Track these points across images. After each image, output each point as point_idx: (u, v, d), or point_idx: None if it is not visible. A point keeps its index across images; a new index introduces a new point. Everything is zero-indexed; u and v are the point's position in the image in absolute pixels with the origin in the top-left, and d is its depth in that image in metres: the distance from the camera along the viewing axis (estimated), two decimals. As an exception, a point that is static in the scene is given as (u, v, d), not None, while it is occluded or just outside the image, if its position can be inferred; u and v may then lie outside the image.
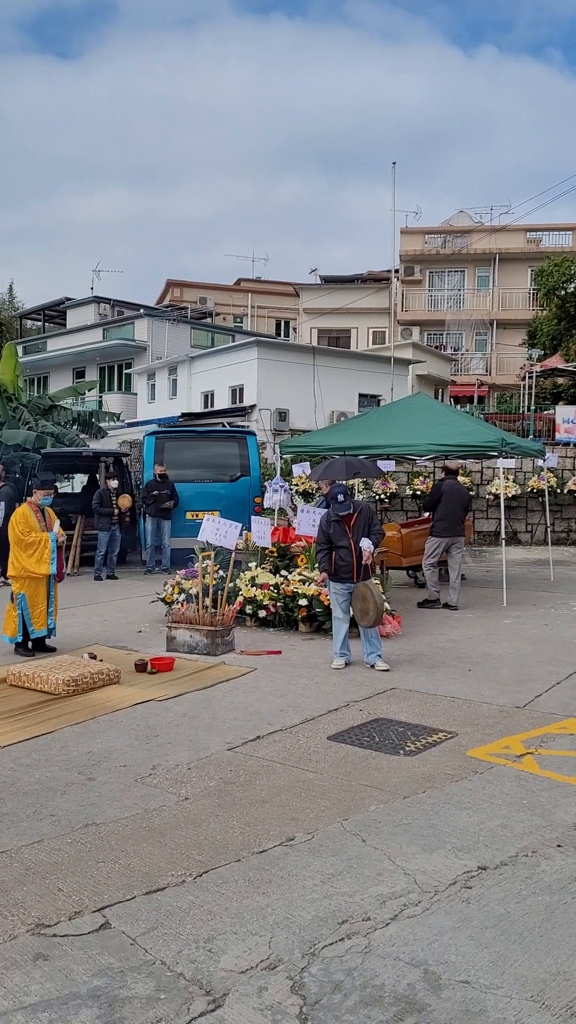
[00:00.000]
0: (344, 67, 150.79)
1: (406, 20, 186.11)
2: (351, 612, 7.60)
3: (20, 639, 8.17)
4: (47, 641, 8.38)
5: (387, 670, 7.36)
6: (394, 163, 28.09)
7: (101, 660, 7.43)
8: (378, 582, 8.62)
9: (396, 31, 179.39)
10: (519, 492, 18.71)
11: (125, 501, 14.28)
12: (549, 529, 16.85)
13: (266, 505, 13.40)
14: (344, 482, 10.09)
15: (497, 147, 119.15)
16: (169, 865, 3.79)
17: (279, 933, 3.21)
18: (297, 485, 17.86)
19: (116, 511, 14.06)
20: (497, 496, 18.11)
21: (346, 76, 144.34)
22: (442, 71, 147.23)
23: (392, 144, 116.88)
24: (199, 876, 3.68)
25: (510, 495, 18.36)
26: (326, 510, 8.14)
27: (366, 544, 7.49)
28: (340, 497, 7.58)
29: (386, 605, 8.85)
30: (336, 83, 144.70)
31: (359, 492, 17.81)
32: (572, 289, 24.18)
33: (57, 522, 8.49)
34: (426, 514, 11.96)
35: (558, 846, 3.89)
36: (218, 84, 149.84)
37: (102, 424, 21.79)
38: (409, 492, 19.03)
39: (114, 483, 14.28)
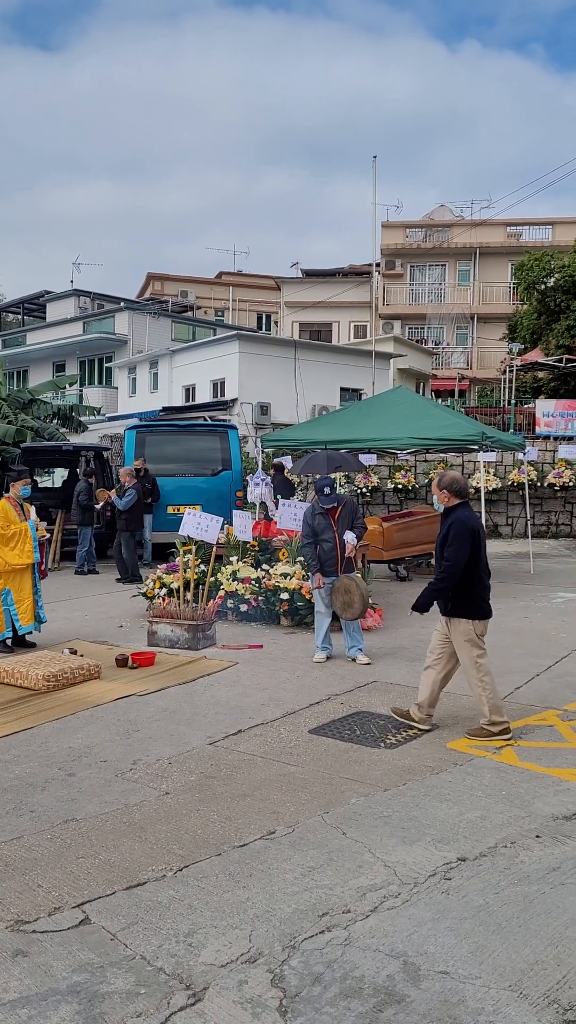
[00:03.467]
0: (328, 60, 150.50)
1: (389, 14, 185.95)
2: (333, 606, 7.60)
3: (9, 634, 8.08)
4: (27, 637, 8.33)
5: (368, 664, 7.38)
6: (375, 157, 28.21)
7: (82, 655, 7.40)
8: (359, 575, 8.62)
9: (380, 25, 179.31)
10: (500, 486, 18.81)
11: (103, 495, 14.22)
12: (529, 522, 16.95)
13: (248, 499, 13.39)
14: (330, 475, 10.09)
15: (479, 141, 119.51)
16: (149, 860, 3.79)
17: (259, 926, 3.21)
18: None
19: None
20: (478, 490, 18.19)
21: (330, 69, 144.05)
22: (425, 65, 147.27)
23: (376, 137, 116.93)
24: (179, 871, 3.68)
25: (491, 488, 18.45)
26: (309, 504, 8.14)
27: (349, 536, 7.51)
28: (326, 490, 7.58)
29: (368, 599, 8.87)
30: (320, 76, 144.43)
31: (340, 486, 17.83)
32: (552, 284, 24.27)
33: (33, 509, 8.44)
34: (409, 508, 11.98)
35: (537, 837, 3.92)
36: (202, 76, 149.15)
37: (82, 418, 21.68)
38: (391, 486, 19.08)
39: (92, 480, 14.23)
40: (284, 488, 14.08)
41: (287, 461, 15.57)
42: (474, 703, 5.69)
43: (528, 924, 3.15)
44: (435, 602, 5.60)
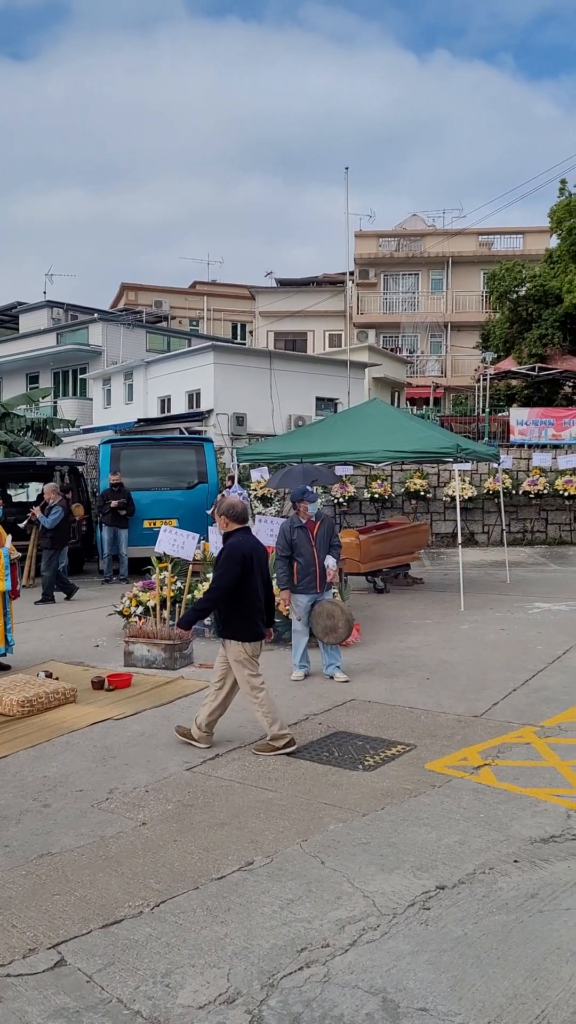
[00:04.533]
0: (299, 70, 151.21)
1: (360, 24, 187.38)
2: (314, 629, 7.56)
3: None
4: (1, 660, 8.23)
5: (347, 681, 7.37)
6: (347, 168, 28.35)
7: (57, 678, 7.32)
8: (336, 591, 8.63)
9: (350, 35, 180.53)
10: (475, 494, 18.90)
11: (78, 510, 14.11)
12: (505, 530, 17.04)
13: None
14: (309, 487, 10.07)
15: (450, 150, 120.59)
16: (126, 895, 3.74)
17: (237, 964, 3.18)
18: (255, 490, 17.83)
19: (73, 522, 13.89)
20: (454, 498, 18.28)
21: (301, 79, 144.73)
22: (396, 75, 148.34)
23: (348, 147, 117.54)
24: (157, 906, 3.64)
25: (466, 497, 18.54)
26: (285, 518, 8.12)
27: (331, 563, 7.49)
28: (308, 488, 7.67)
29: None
30: (292, 86, 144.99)
31: (318, 493, 17.83)
32: (523, 293, 24.49)
33: (8, 538, 8.35)
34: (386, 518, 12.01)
35: (515, 862, 3.92)
36: (175, 86, 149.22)
37: (57, 431, 21.56)
38: (367, 495, 19.13)
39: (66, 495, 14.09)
40: None
41: (256, 473, 15.54)
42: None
43: (507, 955, 3.14)
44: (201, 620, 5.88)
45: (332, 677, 7.47)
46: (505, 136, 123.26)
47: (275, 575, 8.15)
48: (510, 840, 4.16)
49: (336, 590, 8.63)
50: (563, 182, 24.84)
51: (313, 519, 7.63)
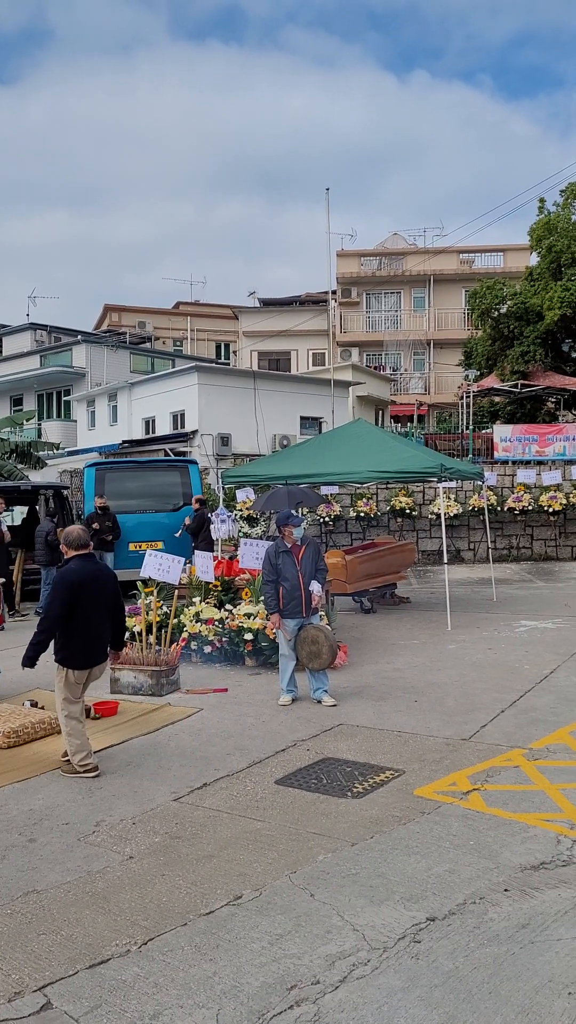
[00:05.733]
0: (280, 92, 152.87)
1: (340, 46, 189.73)
2: (299, 654, 7.54)
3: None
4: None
5: (334, 705, 7.34)
6: (327, 189, 28.54)
7: (42, 707, 7.25)
8: (324, 614, 8.61)
9: (330, 57, 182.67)
10: (461, 511, 18.98)
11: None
12: (490, 547, 17.10)
13: (214, 537, 13.34)
14: (293, 511, 10.07)
15: (430, 170, 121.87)
16: (113, 934, 3.69)
17: (227, 1004, 3.13)
18: (241, 511, 17.82)
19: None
20: (439, 516, 18.33)
21: (282, 100, 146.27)
22: (376, 96, 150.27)
23: (328, 167, 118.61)
24: (144, 944, 3.59)
25: (452, 514, 18.61)
26: (271, 542, 8.11)
27: (316, 588, 7.48)
28: (292, 511, 7.69)
29: (332, 636, 8.85)
30: (273, 107, 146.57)
31: (303, 516, 17.84)
32: (504, 311, 24.71)
33: None
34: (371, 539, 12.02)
35: (505, 890, 3.90)
36: (156, 108, 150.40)
37: (41, 454, 21.48)
38: (353, 514, 19.15)
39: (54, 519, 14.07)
40: (201, 525, 13.93)
41: (241, 494, 15.50)
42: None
43: (498, 990, 3.11)
44: (39, 655, 5.83)
45: (320, 701, 7.44)
46: (484, 155, 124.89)
47: (262, 599, 8.16)
48: (500, 868, 4.14)
49: (323, 613, 8.61)
50: (542, 200, 25.19)
51: (298, 543, 7.63)
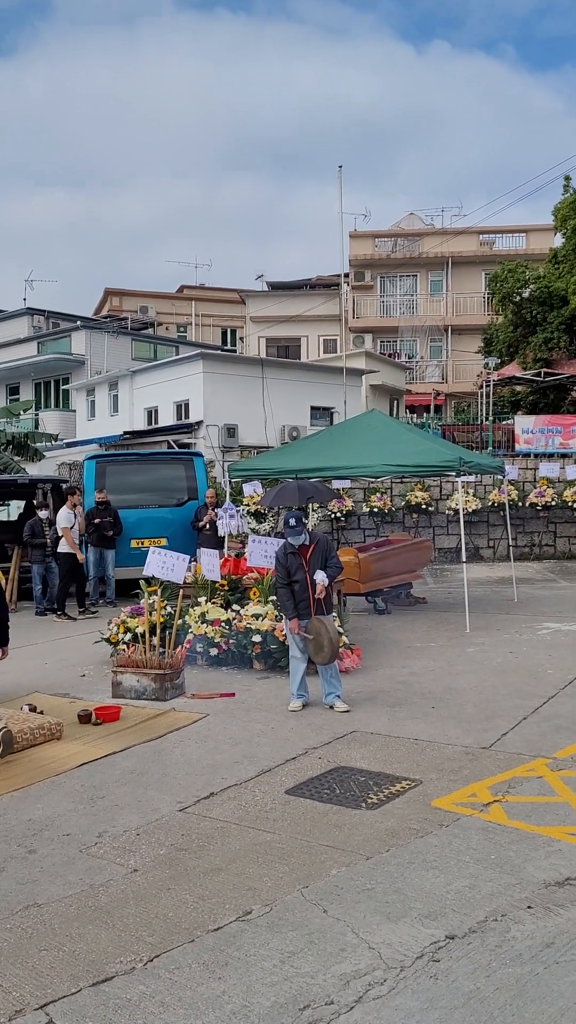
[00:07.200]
0: (290, 63, 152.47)
1: (353, 15, 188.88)
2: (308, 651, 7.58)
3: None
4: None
5: (347, 711, 7.35)
6: (340, 167, 28.48)
7: (41, 712, 7.29)
8: (336, 615, 8.62)
9: (343, 26, 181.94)
10: (480, 507, 18.95)
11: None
12: (511, 545, 17.06)
13: (220, 533, 13.38)
14: (297, 508, 10.10)
15: (448, 146, 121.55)
16: (118, 950, 3.71)
17: (237, 1025, 3.15)
18: (248, 505, 17.85)
19: (50, 542, 13.86)
20: (457, 511, 18.32)
21: (292, 72, 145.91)
22: (391, 67, 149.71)
23: (341, 143, 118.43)
24: (150, 961, 3.61)
25: (470, 510, 18.59)
26: (283, 540, 8.13)
27: (320, 577, 7.48)
28: (291, 521, 7.58)
29: (344, 639, 8.87)
30: (282, 80, 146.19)
31: (313, 511, 17.87)
32: (527, 295, 24.63)
33: None
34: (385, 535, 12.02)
35: (528, 907, 3.91)
36: (160, 82, 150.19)
37: (38, 445, 21.54)
38: (366, 509, 19.16)
39: (44, 513, 14.07)
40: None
41: (248, 488, 15.52)
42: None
43: (522, 1013, 3.12)
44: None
45: (332, 707, 7.46)
46: (506, 130, 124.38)
47: (276, 603, 8.16)
48: (523, 884, 4.14)
49: (336, 614, 8.62)
50: (567, 178, 25.05)
51: (306, 543, 7.62)
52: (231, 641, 9.14)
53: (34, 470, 21.64)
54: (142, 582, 9.45)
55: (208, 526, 14.10)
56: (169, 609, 9.46)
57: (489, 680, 8.37)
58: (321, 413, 25.85)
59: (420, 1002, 3.23)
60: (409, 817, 5.04)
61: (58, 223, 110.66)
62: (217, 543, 13.21)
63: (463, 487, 17.70)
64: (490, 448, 22.55)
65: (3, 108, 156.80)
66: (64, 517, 13.25)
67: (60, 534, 13.23)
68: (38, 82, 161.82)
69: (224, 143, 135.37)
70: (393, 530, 18.45)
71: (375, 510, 19.08)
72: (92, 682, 8.90)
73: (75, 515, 13.39)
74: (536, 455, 20.81)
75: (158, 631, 8.65)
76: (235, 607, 9.43)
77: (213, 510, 14.18)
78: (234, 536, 13.72)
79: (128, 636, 9.30)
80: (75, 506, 13.49)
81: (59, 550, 13.33)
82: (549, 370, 24.26)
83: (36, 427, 29.53)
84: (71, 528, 13.21)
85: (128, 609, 9.86)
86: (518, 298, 24.83)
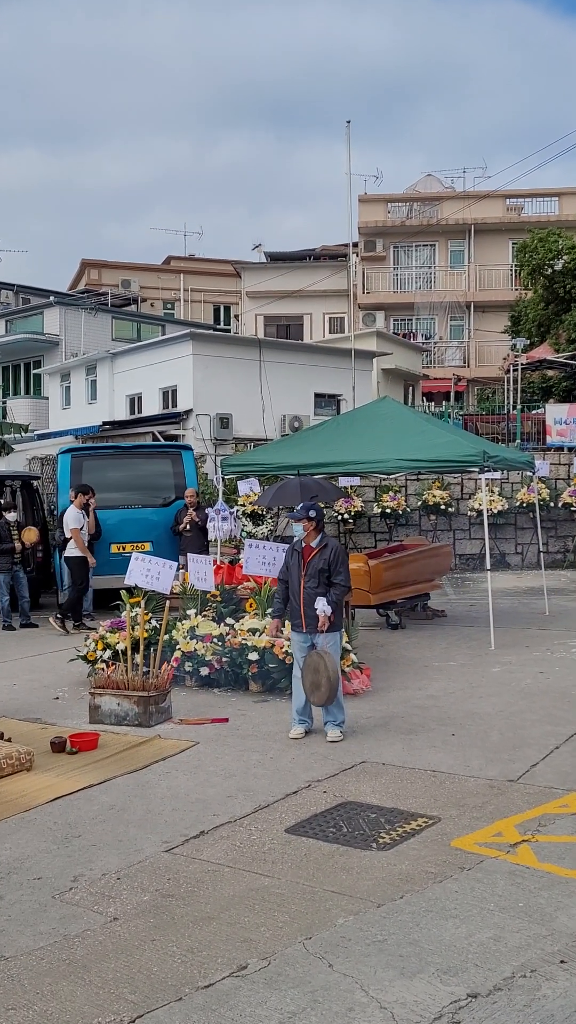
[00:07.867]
0: (294, 5, 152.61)
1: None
2: (303, 680, 7.56)
3: None
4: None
5: (339, 740, 7.34)
6: (348, 121, 28.56)
7: (9, 739, 7.31)
8: (344, 631, 8.62)
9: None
10: (506, 507, 18.98)
11: (30, 535, 14.15)
12: (542, 551, 17.07)
13: (211, 536, 13.40)
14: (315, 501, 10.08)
15: (472, 99, 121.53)
16: (95, 1009, 3.72)
17: None
18: (243, 506, 17.88)
19: (20, 548, 13.90)
20: (480, 513, 18.34)
21: (296, 16, 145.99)
22: (408, 11, 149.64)
23: (350, 96, 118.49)
24: (132, 1023, 3.61)
25: (496, 511, 18.61)
26: (283, 546, 8.18)
27: (321, 606, 7.36)
28: (298, 508, 7.73)
29: (352, 657, 8.89)
30: (285, 24, 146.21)
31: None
32: (560, 267, 24.69)
33: None
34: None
35: (561, 962, 3.91)
36: (145, 27, 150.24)
37: (7, 437, 21.54)
38: (377, 510, 19.18)
39: (12, 515, 14.11)
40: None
41: (244, 486, 15.55)
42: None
43: (554, 1081, 3.13)
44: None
45: (326, 734, 7.47)
46: (538, 82, 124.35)
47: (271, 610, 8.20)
48: (555, 935, 4.15)
49: (344, 628, 8.63)
50: (605, 136, 25.10)
51: (312, 545, 7.64)
52: (224, 659, 9.16)
53: (1, 466, 21.66)
54: (123, 592, 9.46)
55: (188, 527, 14.14)
56: (154, 623, 9.49)
57: (516, 704, 8.38)
58: (327, 401, 25.87)
59: (438, 1069, 3.23)
60: (426, 859, 5.05)
61: (28, 185, 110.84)
62: (201, 548, 13.25)
63: (487, 485, 17.71)
64: (518, 441, 22.57)
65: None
66: (73, 517, 13.43)
67: (68, 536, 13.32)
68: (8, 28, 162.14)
69: (218, 96, 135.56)
70: (408, 534, 18.48)
71: (388, 511, 19.10)
72: (67, 705, 8.92)
73: (84, 515, 13.53)
74: (570, 449, 20.83)
75: (141, 648, 8.66)
76: (229, 621, 9.45)
77: (193, 511, 14.24)
78: (228, 541, 13.74)
79: (108, 653, 9.32)
80: (85, 505, 13.62)
81: (67, 554, 13.49)
82: (585, 353, 24.31)
83: (3, 416, 29.55)
84: (80, 529, 13.35)
85: (107, 623, 9.88)
86: (549, 271, 24.89)
